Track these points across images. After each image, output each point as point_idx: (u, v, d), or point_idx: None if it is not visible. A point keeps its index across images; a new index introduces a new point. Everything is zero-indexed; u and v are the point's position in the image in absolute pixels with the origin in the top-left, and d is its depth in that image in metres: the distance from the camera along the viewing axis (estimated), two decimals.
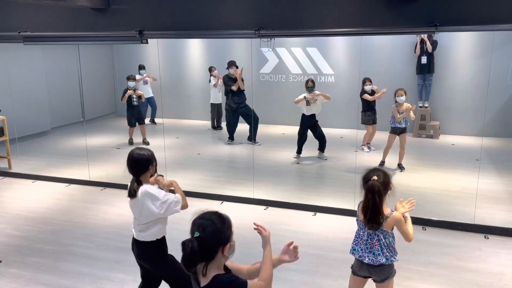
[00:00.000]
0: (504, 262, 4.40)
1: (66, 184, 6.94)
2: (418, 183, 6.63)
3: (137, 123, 9.25)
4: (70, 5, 5.57)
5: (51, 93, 10.38)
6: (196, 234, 1.99)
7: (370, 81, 8.14)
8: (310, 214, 5.67)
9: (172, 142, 9.34)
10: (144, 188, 3.11)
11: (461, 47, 9.51)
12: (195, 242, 1.97)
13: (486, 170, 7.04)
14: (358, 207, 3.08)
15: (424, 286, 4.02)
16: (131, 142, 9.28)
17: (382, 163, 7.41)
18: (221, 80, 9.87)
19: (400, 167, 7.33)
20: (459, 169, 7.25)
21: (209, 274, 2.02)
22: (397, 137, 7.21)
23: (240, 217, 5.62)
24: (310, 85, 7.72)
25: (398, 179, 6.85)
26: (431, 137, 9.44)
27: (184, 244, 1.98)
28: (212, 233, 2.01)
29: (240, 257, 4.76)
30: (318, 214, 5.60)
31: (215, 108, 10.67)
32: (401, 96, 7.00)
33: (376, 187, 2.85)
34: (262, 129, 10.05)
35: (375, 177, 2.87)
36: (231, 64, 9.05)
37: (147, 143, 9.21)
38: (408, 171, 7.23)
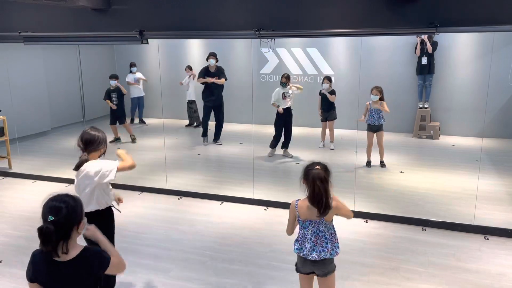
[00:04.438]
0: (504, 263, 4.40)
1: (67, 184, 6.94)
2: (418, 184, 6.63)
3: (118, 123, 9.40)
4: (71, 5, 5.58)
5: (52, 93, 10.39)
6: (51, 218, 2.10)
7: (328, 80, 8.41)
8: None
9: (172, 143, 9.35)
10: (87, 163, 3.34)
11: (461, 48, 9.51)
12: (51, 226, 2.08)
13: (486, 171, 7.05)
14: (297, 205, 3.12)
15: (424, 286, 4.02)
16: (113, 140, 9.35)
17: (369, 163, 7.48)
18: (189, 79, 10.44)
19: (382, 164, 7.46)
20: (459, 170, 7.25)
21: (71, 250, 2.17)
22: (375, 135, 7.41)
23: (240, 218, 5.62)
24: (284, 81, 7.90)
25: (398, 180, 6.87)
26: (431, 138, 9.45)
27: (41, 229, 2.10)
28: (67, 214, 2.13)
29: (240, 257, 4.79)
30: None
31: (188, 105, 10.98)
32: (375, 95, 7.20)
33: (322, 174, 2.90)
34: (261, 129, 10.06)
35: (318, 167, 2.93)
36: (211, 55, 8.93)
37: (134, 139, 9.50)
38: (408, 171, 7.24)
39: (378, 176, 7.04)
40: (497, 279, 4.11)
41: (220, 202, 6.10)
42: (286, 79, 7.90)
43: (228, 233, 5.17)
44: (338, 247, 3.10)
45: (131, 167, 3.41)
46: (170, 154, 8.14)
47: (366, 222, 5.36)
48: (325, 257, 3.02)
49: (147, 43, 5.98)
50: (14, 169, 7.59)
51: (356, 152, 7.93)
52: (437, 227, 5.17)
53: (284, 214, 5.73)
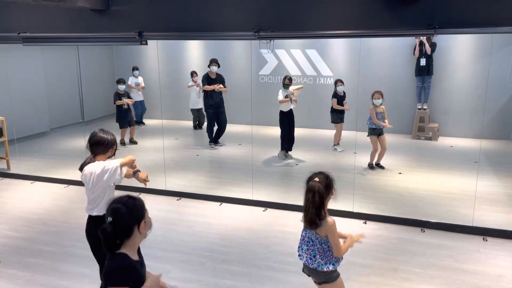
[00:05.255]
0: (503, 264, 4.41)
1: (65, 185, 6.93)
2: (417, 185, 6.64)
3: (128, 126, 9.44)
4: (70, 6, 5.58)
5: (51, 94, 10.38)
6: (109, 219, 2.15)
7: (342, 82, 8.34)
8: None
9: (171, 143, 9.35)
10: (90, 164, 3.33)
11: (460, 49, 9.53)
12: (109, 227, 2.14)
13: (485, 172, 7.06)
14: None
15: (423, 287, 4.02)
16: (122, 143, 9.34)
17: (371, 165, 7.48)
18: (199, 87, 10.19)
19: (380, 166, 7.46)
20: (457, 171, 7.26)
21: (122, 248, 2.19)
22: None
23: (239, 219, 5.62)
24: (287, 83, 7.84)
25: (396, 181, 6.87)
26: (430, 139, 9.46)
27: (101, 229, 2.15)
28: (124, 213, 2.17)
29: (239, 258, 4.79)
30: None
31: (195, 113, 10.89)
32: (378, 99, 7.20)
33: (316, 187, 2.89)
34: (260, 130, 10.09)
35: (316, 179, 2.92)
36: (213, 61, 8.86)
37: (135, 143, 9.46)
38: (407, 173, 7.24)
39: (377, 178, 7.05)
40: (496, 280, 4.12)
41: (219, 203, 6.10)
42: (289, 81, 7.87)
43: (227, 234, 5.17)
44: (333, 264, 2.99)
45: (131, 160, 3.39)
46: (169, 155, 8.13)
47: (365, 223, 5.36)
48: (311, 266, 3.01)
49: (146, 44, 5.98)
50: (13, 170, 7.57)
51: (355, 153, 7.93)
52: (436, 228, 5.18)
53: (283, 215, 5.75)
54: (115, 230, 2.14)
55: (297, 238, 4.96)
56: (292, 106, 7.93)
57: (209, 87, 8.76)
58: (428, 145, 9.19)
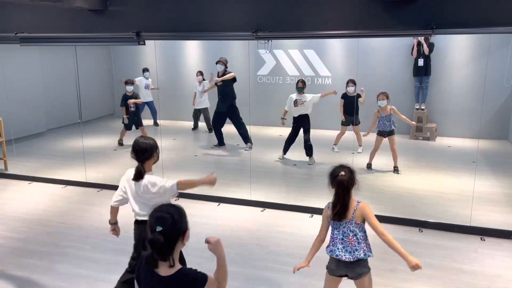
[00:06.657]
0: (500, 264, 4.42)
1: (63, 186, 6.92)
2: (415, 185, 6.64)
3: (133, 127, 9.30)
4: (68, 6, 5.57)
5: (48, 94, 10.36)
6: (159, 229, 2.05)
7: (354, 83, 8.11)
8: (307, 215, 5.67)
9: (169, 144, 9.34)
10: (147, 176, 3.41)
11: (457, 50, 9.55)
12: (160, 237, 2.03)
13: (482, 172, 7.07)
14: (328, 208, 3.13)
15: None
16: (120, 143, 9.27)
17: (369, 165, 7.44)
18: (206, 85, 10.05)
19: (395, 169, 7.32)
20: (455, 171, 7.27)
21: (176, 264, 2.11)
22: (385, 139, 7.26)
23: (237, 219, 5.62)
24: (300, 86, 7.71)
25: (394, 181, 6.88)
26: (428, 139, 9.47)
27: (152, 240, 2.04)
28: (173, 224, 2.09)
29: (237, 259, 4.78)
30: (315, 216, 5.60)
31: (195, 114, 10.79)
32: (383, 100, 7.11)
33: (345, 182, 2.97)
34: (259, 130, 10.07)
35: (342, 173, 2.98)
36: (218, 61, 8.80)
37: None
38: (405, 173, 7.25)
39: (375, 178, 7.05)
40: (494, 280, 4.13)
41: (217, 204, 6.09)
42: (302, 84, 7.70)
43: (225, 234, 5.16)
44: (371, 251, 3.08)
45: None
46: (166, 156, 8.12)
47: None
48: (358, 256, 3.00)
49: (144, 44, 5.97)
50: (10, 171, 7.55)
51: (353, 153, 7.94)
52: (434, 228, 5.18)
53: (282, 215, 5.75)
54: (165, 239, 2.05)
55: (295, 239, 4.99)
56: (302, 112, 7.73)
57: (213, 82, 8.65)
58: (426, 145, 9.21)
